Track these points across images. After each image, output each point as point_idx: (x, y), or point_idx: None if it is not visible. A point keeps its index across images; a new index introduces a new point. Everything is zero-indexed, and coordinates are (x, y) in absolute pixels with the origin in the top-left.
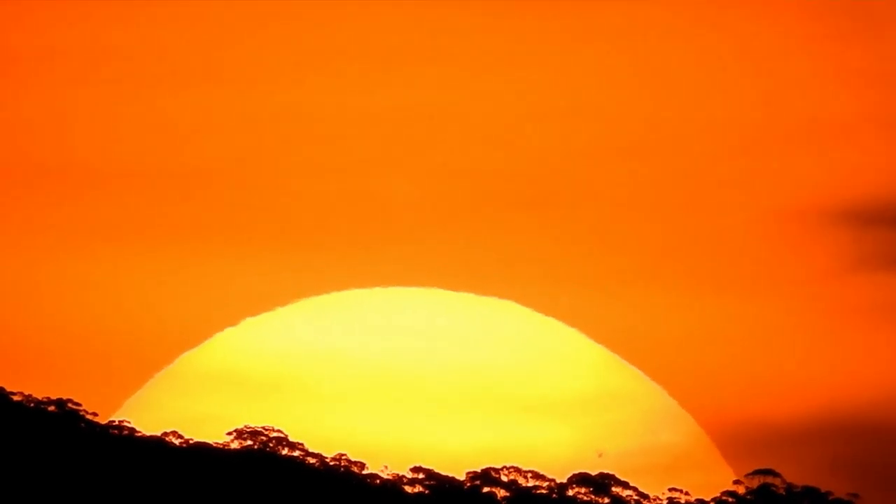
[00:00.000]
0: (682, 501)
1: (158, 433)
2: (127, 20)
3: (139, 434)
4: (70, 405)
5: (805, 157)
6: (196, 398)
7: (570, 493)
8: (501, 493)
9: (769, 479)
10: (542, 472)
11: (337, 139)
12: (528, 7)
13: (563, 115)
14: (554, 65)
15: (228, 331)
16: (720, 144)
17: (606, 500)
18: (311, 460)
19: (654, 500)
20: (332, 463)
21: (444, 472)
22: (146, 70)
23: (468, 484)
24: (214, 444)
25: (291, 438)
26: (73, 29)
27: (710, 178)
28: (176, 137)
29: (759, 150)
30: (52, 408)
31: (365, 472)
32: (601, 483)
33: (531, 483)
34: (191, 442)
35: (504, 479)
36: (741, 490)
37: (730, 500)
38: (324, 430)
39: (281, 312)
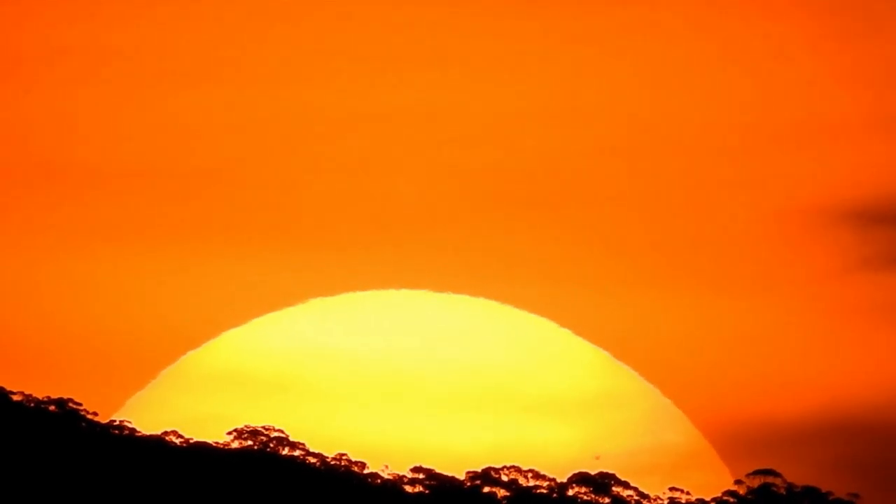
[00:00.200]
0: (683, 501)
1: (159, 433)
2: (129, 20)
3: (139, 434)
4: (70, 405)
5: (806, 156)
6: (199, 397)
7: (571, 492)
8: (502, 492)
9: (770, 479)
10: (542, 472)
11: (344, 139)
12: (528, 8)
13: (560, 116)
14: (552, 66)
15: (233, 331)
16: (720, 144)
17: (607, 499)
18: (312, 460)
19: (655, 499)
20: (332, 463)
21: (444, 472)
22: (151, 70)
23: (468, 484)
24: (214, 444)
25: (292, 438)
26: (77, 29)
27: (710, 178)
28: (183, 137)
29: (759, 150)
30: (52, 407)
31: (365, 471)
32: (601, 483)
33: (531, 483)
34: (191, 441)
35: (504, 478)
36: (742, 490)
37: (730, 499)
38: (327, 429)
39: (288, 313)
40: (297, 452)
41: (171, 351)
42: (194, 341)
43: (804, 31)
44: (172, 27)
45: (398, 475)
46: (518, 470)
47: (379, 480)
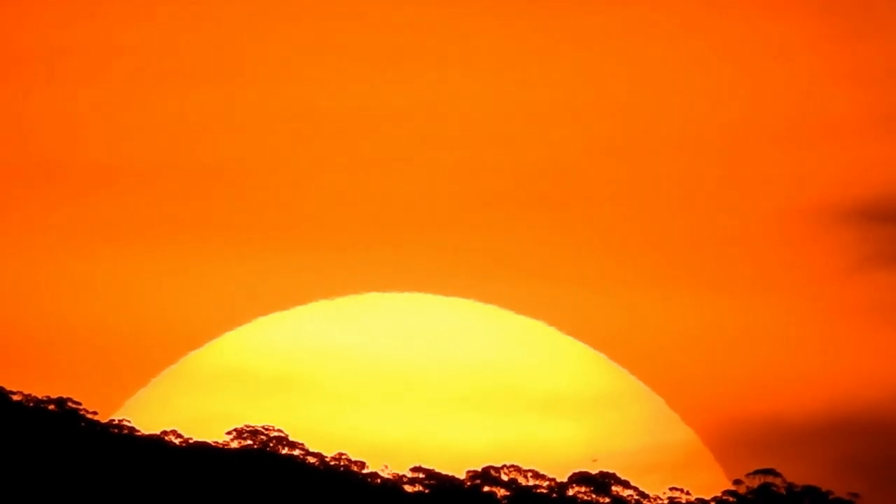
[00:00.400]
0: (683, 501)
1: (158, 432)
2: (132, 19)
3: (139, 433)
4: (70, 404)
5: (806, 156)
6: (201, 397)
7: (571, 492)
8: (501, 492)
9: (770, 479)
10: (542, 472)
11: (350, 139)
12: (525, 8)
13: (559, 116)
14: (549, 66)
15: (237, 330)
16: (719, 144)
17: (607, 499)
18: (311, 460)
19: (655, 499)
20: (332, 462)
21: (445, 472)
22: (155, 69)
23: (468, 483)
24: (214, 444)
25: (292, 438)
26: (80, 28)
27: (709, 177)
28: (187, 136)
29: (759, 150)
30: (51, 407)
31: (365, 471)
32: (601, 482)
33: (531, 482)
34: (190, 441)
35: (504, 478)
36: (742, 489)
37: (730, 499)
38: (330, 428)
39: (291, 314)
40: (296, 452)
41: (173, 350)
42: (197, 341)
43: (805, 30)
44: (175, 26)
45: (398, 475)
46: (518, 469)
47: (378, 480)
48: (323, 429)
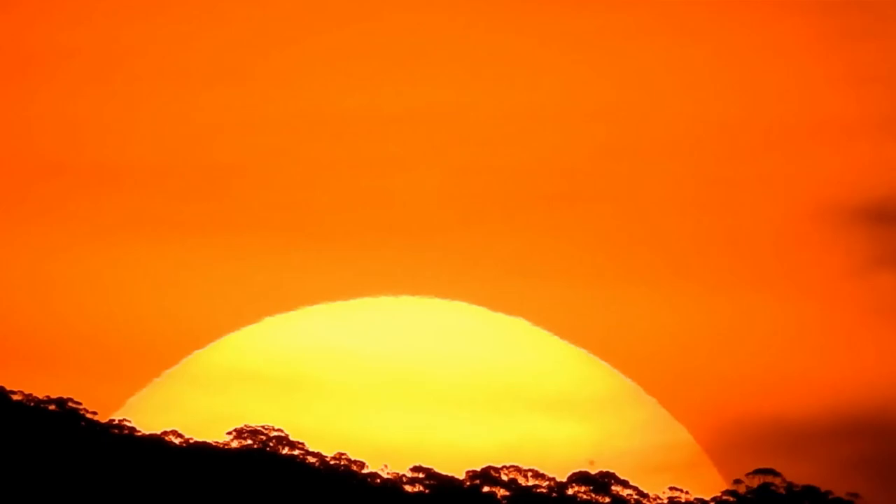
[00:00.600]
0: (683, 500)
1: (158, 432)
2: (140, 20)
3: (139, 433)
4: (70, 404)
5: (809, 156)
6: (205, 396)
7: (570, 491)
8: (501, 492)
9: (769, 479)
10: (542, 471)
11: (358, 140)
12: (529, 10)
13: (559, 118)
14: (551, 67)
15: (242, 330)
16: (723, 144)
17: (607, 499)
18: (311, 459)
19: (655, 499)
20: (331, 462)
21: (444, 472)
22: (164, 68)
23: (468, 483)
24: (214, 444)
25: (295, 437)
26: (87, 29)
27: (712, 178)
28: (196, 135)
29: (761, 150)
30: (52, 407)
31: (365, 471)
32: (601, 482)
33: (531, 482)
34: (190, 441)
35: (504, 478)
36: (741, 489)
37: (730, 499)
38: (335, 428)
39: (296, 315)
40: (296, 452)
41: (176, 350)
42: (201, 341)
43: (809, 30)
44: (181, 27)
45: (398, 474)
46: (518, 469)
47: (378, 480)
48: (327, 428)
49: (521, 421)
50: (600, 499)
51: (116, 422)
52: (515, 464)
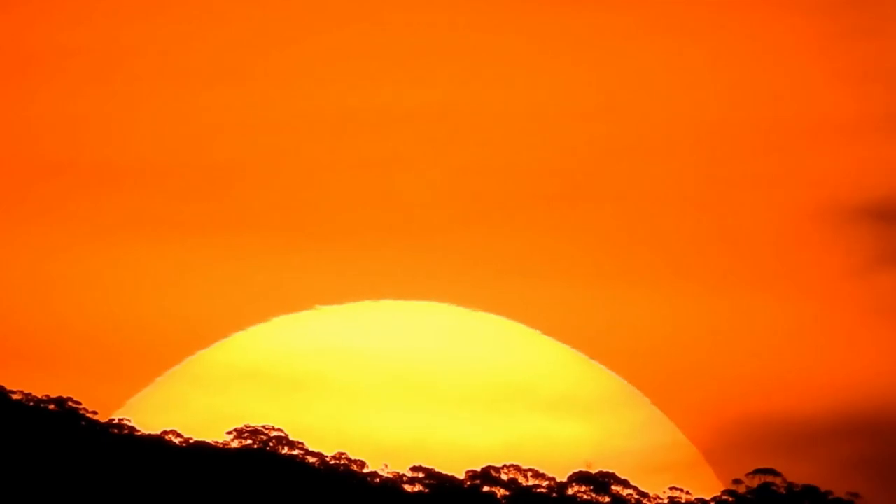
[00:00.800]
0: (683, 500)
1: (158, 432)
2: (141, 20)
3: (139, 433)
4: (70, 404)
5: (812, 156)
6: (207, 395)
7: (570, 491)
8: (501, 491)
9: (769, 479)
10: (542, 471)
11: (365, 138)
12: (536, 7)
13: (561, 117)
14: (546, 66)
15: (248, 330)
16: (727, 144)
17: (607, 498)
18: (311, 459)
19: (655, 498)
20: (331, 462)
21: (445, 471)
22: (169, 68)
23: (468, 483)
24: (214, 443)
25: (296, 437)
26: (89, 28)
27: (713, 178)
28: (207, 134)
29: (763, 150)
30: (51, 406)
31: (365, 470)
32: (601, 482)
33: (531, 482)
34: (190, 441)
35: (504, 477)
36: (741, 489)
37: (730, 499)
38: (339, 428)
39: (301, 317)
40: (296, 452)
41: (179, 350)
42: (204, 340)
43: (813, 29)
44: (185, 26)
45: (397, 474)
46: (518, 469)
47: (378, 479)
48: (331, 428)
49: (522, 421)
50: (600, 499)
51: (116, 421)
52: (515, 463)
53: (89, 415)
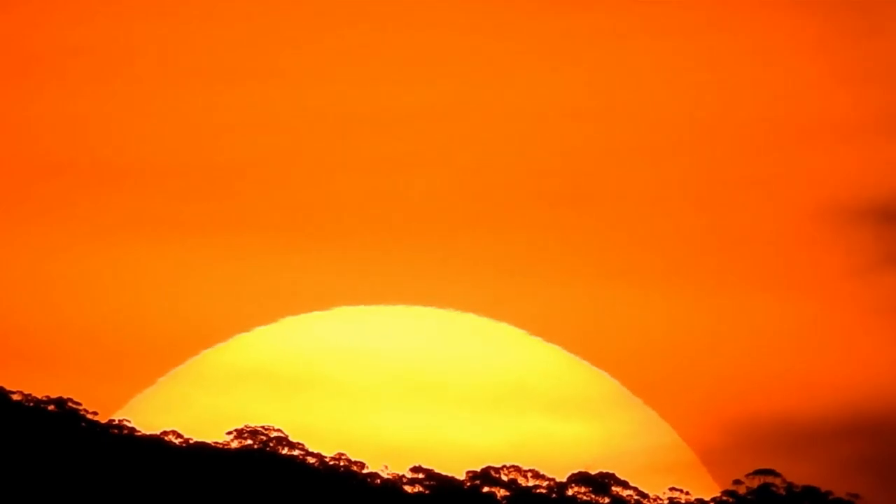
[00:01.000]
0: (683, 501)
1: (158, 432)
2: (145, 20)
3: (139, 433)
4: (70, 404)
5: (816, 155)
6: (208, 395)
7: (570, 492)
8: (501, 492)
9: (769, 479)
10: (542, 472)
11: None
12: (535, 7)
13: (563, 117)
14: (543, 67)
15: (256, 330)
16: (727, 144)
17: (606, 499)
18: (311, 460)
19: (655, 499)
20: (331, 463)
21: (445, 472)
22: (176, 66)
23: (468, 483)
24: (214, 444)
25: (296, 437)
26: (92, 28)
27: (716, 178)
28: (217, 134)
29: (768, 149)
30: (51, 407)
31: (365, 471)
32: (601, 482)
33: (531, 482)
34: (190, 441)
35: (504, 478)
36: (741, 490)
37: (730, 499)
38: (343, 428)
39: (312, 318)
40: (296, 452)
41: (183, 350)
42: (209, 340)
43: (813, 28)
44: (186, 26)
45: (397, 475)
46: (518, 470)
47: (378, 480)
48: (335, 428)
49: (522, 422)
50: (600, 499)
51: (116, 422)
52: (515, 464)
53: (89, 415)
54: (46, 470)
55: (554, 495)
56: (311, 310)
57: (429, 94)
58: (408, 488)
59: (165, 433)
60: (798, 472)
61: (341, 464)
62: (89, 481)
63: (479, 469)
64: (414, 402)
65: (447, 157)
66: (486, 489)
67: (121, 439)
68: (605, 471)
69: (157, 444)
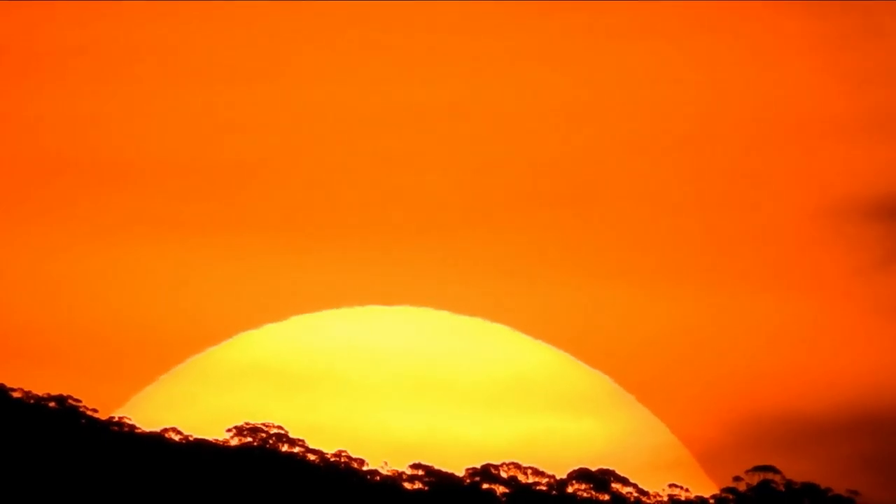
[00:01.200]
0: (683, 499)
1: (158, 429)
2: (150, 19)
3: (139, 431)
4: (70, 401)
5: (817, 154)
6: (215, 393)
7: (570, 489)
8: (501, 489)
9: (769, 476)
10: (541, 469)
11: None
12: (542, 8)
13: (566, 116)
14: (540, 67)
15: (266, 327)
16: (727, 143)
17: (606, 496)
18: (311, 457)
19: (655, 496)
20: (331, 459)
21: (445, 469)
22: (183, 66)
23: (468, 480)
24: (214, 441)
25: (299, 435)
26: (96, 27)
27: (719, 178)
28: (214, 133)
29: (768, 149)
30: (52, 404)
31: (365, 468)
32: (601, 479)
33: (531, 479)
34: (190, 439)
35: (504, 475)
36: (741, 487)
37: (730, 497)
38: (348, 425)
39: (317, 317)
40: (296, 449)
41: (183, 349)
42: (212, 339)
43: (820, 28)
44: (189, 26)
45: (397, 472)
46: (517, 467)
47: (378, 477)
48: (339, 425)
49: (523, 420)
50: (600, 496)
51: (116, 419)
52: (515, 461)
53: (89, 412)
54: (47, 467)
55: (554, 492)
56: (320, 308)
57: (429, 94)
58: (407, 485)
59: (165, 430)
60: (798, 470)
61: (341, 461)
62: (89, 478)
63: (478, 466)
64: (417, 401)
65: (447, 157)
66: (485, 486)
67: (121, 436)
68: (605, 467)
69: (156, 442)
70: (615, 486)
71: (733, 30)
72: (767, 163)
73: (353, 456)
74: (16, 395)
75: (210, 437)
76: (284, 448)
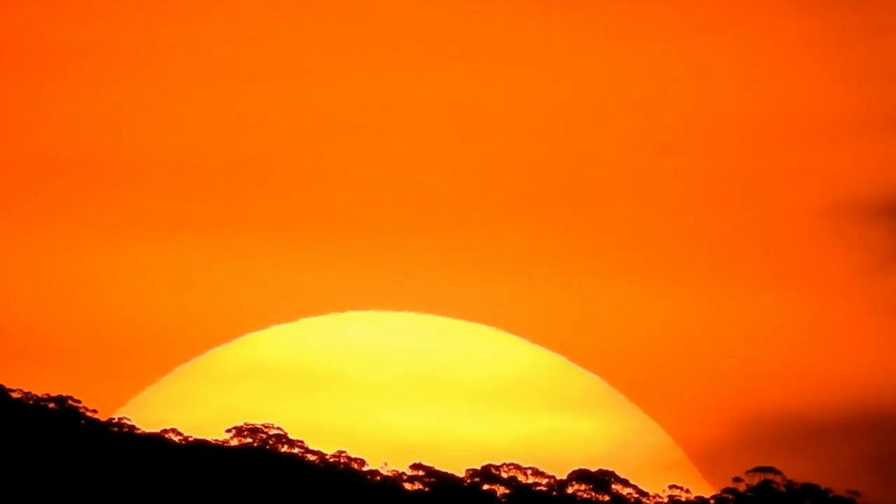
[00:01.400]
0: (683, 499)
1: (157, 430)
2: (152, 17)
3: (139, 431)
4: (70, 402)
5: (817, 154)
6: (218, 392)
7: (570, 490)
8: (501, 489)
9: (769, 476)
10: (541, 469)
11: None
12: (544, 7)
13: (568, 115)
14: (538, 67)
15: (272, 329)
16: (728, 143)
17: (606, 497)
18: (311, 457)
19: (655, 497)
20: (331, 460)
21: (445, 469)
22: (189, 65)
23: (468, 481)
24: (213, 442)
25: (299, 436)
26: (100, 25)
27: (719, 178)
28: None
29: (769, 149)
30: (51, 405)
31: (365, 468)
32: (601, 480)
33: (531, 480)
34: (190, 439)
35: (504, 475)
36: (741, 487)
37: (730, 497)
38: (352, 424)
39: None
40: (295, 450)
41: (184, 349)
42: (216, 339)
43: (821, 28)
44: (193, 24)
45: (397, 472)
46: (518, 467)
47: (378, 478)
48: (344, 426)
49: (522, 422)
50: (600, 497)
51: (116, 420)
52: (515, 461)
53: (89, 413)
54: (47, 468)
55: (554, 493)
56: (328, 311)
57: (429, 94)
58: (408, 486)
59: (165, 431)
60: (798, 470)
61: (341, 461)
62: (89, 479)
63: (479, 466)
64: (417, 402)
65: (452, 155)
66: (485, 487)
67: (120, 437)
68: (605, 468)
69: (156, 442)
70: (615, 486)
71: (733, 29)
72: (767, 163)
73: (354, 456)
74: (15, 395)
75: (212, 437)
76: (284, 448)
